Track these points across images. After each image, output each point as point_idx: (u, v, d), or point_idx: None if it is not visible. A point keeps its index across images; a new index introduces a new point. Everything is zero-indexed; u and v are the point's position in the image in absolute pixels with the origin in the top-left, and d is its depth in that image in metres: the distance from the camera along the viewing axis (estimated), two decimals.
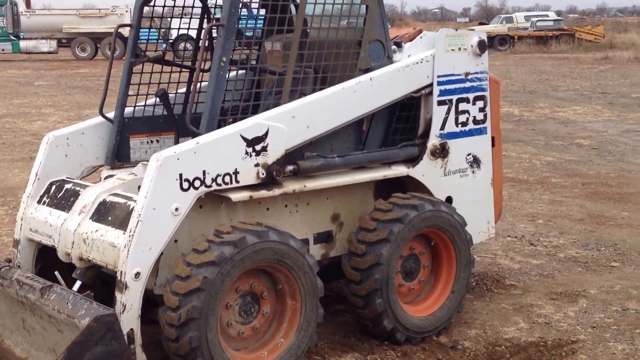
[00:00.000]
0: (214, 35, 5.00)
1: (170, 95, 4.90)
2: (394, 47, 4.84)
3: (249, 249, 3.86)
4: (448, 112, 4.87)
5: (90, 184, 4.55)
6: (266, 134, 4.10)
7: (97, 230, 4.11)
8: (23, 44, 33.07)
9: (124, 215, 4.03)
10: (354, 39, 4.67)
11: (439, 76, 4.81)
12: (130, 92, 4.90)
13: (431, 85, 4.79)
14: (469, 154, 5.05)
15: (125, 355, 3.58)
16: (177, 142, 4.96)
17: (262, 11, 4.88)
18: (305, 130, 4.28)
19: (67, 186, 4.48)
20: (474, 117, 5.03)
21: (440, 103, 4.84)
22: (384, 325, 4.51)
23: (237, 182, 4.06)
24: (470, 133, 5.02)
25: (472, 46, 4.96)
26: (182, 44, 26.99)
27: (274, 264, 4.00)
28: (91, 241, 4.10)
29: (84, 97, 18.87)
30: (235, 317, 4.02)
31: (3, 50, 32.94)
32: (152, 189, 3.80)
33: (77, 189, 4.41)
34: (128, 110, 4.93)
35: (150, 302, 4.01)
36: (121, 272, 3.79)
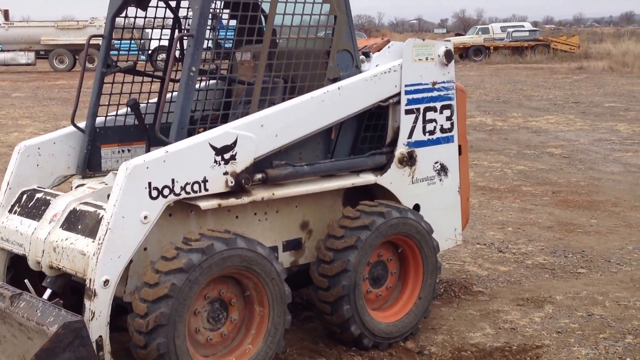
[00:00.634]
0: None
1: (141, 105, 4.96)
2: (362, 56, 4.92)
3: (217, 256, 3.91)
4: (416, 121, 4.96)
5: (61, 193, 4.59)
6: (235, 142, 4.17)
7: (67, 239, 4.15)
8: (1, 56, 32.85)
9: (93, 224, 4.07)
10: (322, 49, 4.75)
11: (406, 85, 4.90)
12: (101, 102, 4.96)
13: (399, 94, 4.88)
14: (436, 162, 5.14)
15: None
16: (148, 151, 5.01)
17: (233, 22, 4.95)
18: (274, 139, 4.35)
19: (38, 195, 4.52)
20: (441, 125, 5.13)
21: (407, 112, 4.93)
22: (352, 331, 4.58)
23: (206, 190, 4.11)
24: (437, 141, 5.12)
25: (439, 56, 5.06)
26: (160, 55, 27.00)
27: (242, 271, 4.05)
28: (61, 249, 4.14)
29: (61, 109, 18.81)
30: (203, 324, 4.07)
31: None
32: (122, 197, 3.85)
33: (48, 198, 4.45)
34: (99, 119, 4.98)
35: (120, 310, 4.05)
36: (90, 279, 3.83)
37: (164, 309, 3.77)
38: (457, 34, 53.36)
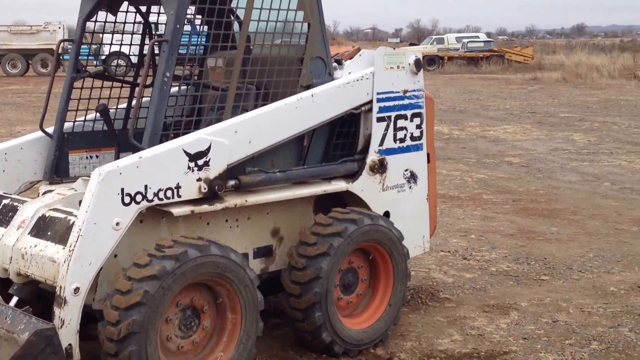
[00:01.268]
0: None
1: (110, 110, 4.91)
2: (334, 64, 4.95)
3: (190, 262, 3.88)
4: (387, 129, 5.01)
5: (29, 199, 4.51)
6: (209, 148, 4.15)
7: (36, 246, 4.08)
8: None
9: (63, 230, 4.02)
10: (296, 56, 4.76)
11: (378, 93, 4.94)
12: (70, 107, 4.89)
13: (371, 102, 4.92)
14: (406, 170, 5.19)
15: None
16: (117, 157, 4.97)
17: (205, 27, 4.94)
18: (248, 145, 4.35)
19: (5, 201, 4.43)
20: (411, 133, 5.18)
21: (379, 120, 4.97)
22: (323, 338, 4.58)
23: (179, 196, 4.09)
24: (407, 149, 5.17)
25: (409, 64, 5.11)
26: (115, 61, 26.72)
27: (215, 278, 4.03)
28: (30, 256, 4.07)
29: (15, 114, 18.48)
30: (175, 332, 4.03)
31: None
32: (94, 204, 3.80)
33: (15, 204, 4.37)
34: (68, 125, 4.92)
35: (88, 318, 3.99)
36: (60, 287, 3.76)
37: (136, 316, 3.73)
38: (412, 44, 53.97)
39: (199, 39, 5.07)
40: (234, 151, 4.27)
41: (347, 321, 4.76)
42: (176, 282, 3.84)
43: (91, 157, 5.05)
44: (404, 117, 5.11)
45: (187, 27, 4.69)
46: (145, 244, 4.12)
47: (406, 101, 5.12)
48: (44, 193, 4.71)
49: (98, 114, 4.88)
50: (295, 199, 4.70)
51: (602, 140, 14.75)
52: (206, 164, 4.15)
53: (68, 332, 3.73)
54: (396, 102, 5.05)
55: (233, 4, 4.78)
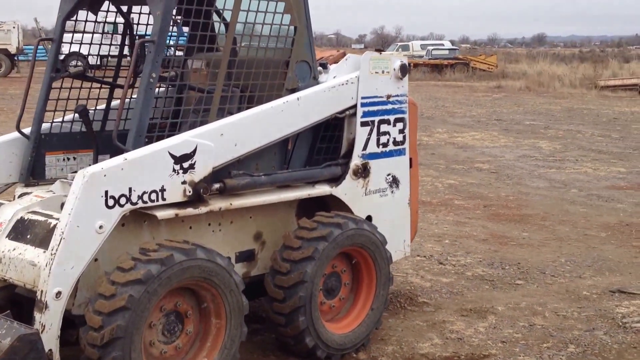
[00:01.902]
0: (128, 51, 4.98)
1: (89, 111, 4.82)
2: (319, 68, 4.93)
3: (176, 266, 3.82)
4: (370, 133, 5.00)
5: (5, 202, 4.41)
6: (194, 151, 4.09)
7: (14, 249, 3.99)
8: None
9: (44, 233, 3.93)
10: (281, 59, 4.73)
11: (362, 98, 4.93)
12: (48, 108, 4.79)
13: (355, 106, 4.91)
14: (388, 175, 5.19)
15: None
16: (96, 159, 4.88)
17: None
18: (233, 148, 4.30)
19: None
20: (394, 138, 5.18)
21: (363, 124, 4.96)
22: (306, 343, 4.55)
23: (164, 199, 4.02)
24: (390, 154, 5.17)
25: (394, 69, 5.12)
26: (74, 62, 26.25)
27: (201, 282, 3.97)
28: (8, 260, 3.98)
29: None
30: (158, 337, 3.96)
31: None
32: (77, 206, 3.72)
33: None
34: (45, 126, 4.81)
35: (66, 323, 3.89)
36: (41, 291, 3.68)
37: (120, 321, 3.65)
38: (377, 50, 54.08)
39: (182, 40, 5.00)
40: (219, 154, 4.22)
41: (329, 325, 4.73)
42: (161, 286, 3.78)
43: (68, 159, 4.95)
44: (387, 121, 5.11)
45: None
46: (127, 248, 4.05)
47: (389, 106, 5.12)
48: (20, 195, 4.60)
49: (77, 115, 4.79)
50: (278, 203, 4.66)
51: (567, 147, 14.97)
52: (191, 166, 4.09)
53: (49, 338, 3.65)
54: (380, 107, 5.05)
55: (219, 5, 4.73)
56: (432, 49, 42.89)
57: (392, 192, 5.22)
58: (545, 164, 12.99)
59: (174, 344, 4.03)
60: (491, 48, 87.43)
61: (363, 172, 4.98)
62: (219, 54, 4.67)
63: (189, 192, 4.11)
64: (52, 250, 3.69)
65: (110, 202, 3.82)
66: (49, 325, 3.66)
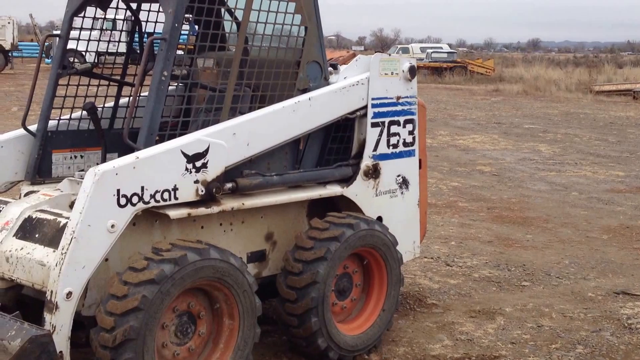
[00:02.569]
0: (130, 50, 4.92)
1: (98, 109, 4.76)
2: (330, 68, 4.89)
3: (190, 267, 3.77)
4: (380, 134, 4.97)
5: (12, 200, 4.34)
6: (207, 150, 4.05)
7: (22, 248, 3.93)
8: None
9: (53, 232, 3.87)
10: (292, 59, 4.69)
11: (373, 99, 4.90)
12: (55, 105, 4.73)
13: (366, 107, 4.87)
14: (398, 175, 5.16)
15: None
16: (104, 157, 4.82)
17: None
18: (246, 147, 4.26)
19: None
20: (404, 139, 5.15)
21: (374, 125, 4.93)
22: (318, 344, 4.50)
23: (176, 199, 3.98)
24: (400, 155, 5.13)
25: (403, 71, 5.09)
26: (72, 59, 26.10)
27: (214, 283, 3.92)
28: (15, 260, 3.91)
29: None
30: (170, 338, 3.91)
31: None
32: (88, 205, 3.67)
33: None
34: (52, 123, 4.75)
35: (75, 325, 3.82)
36: (51, 291, 3.62)
37: (133, 322, 3.60)
38: (377, 52, 54.15)
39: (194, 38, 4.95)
40: (232, 153, 4.18)
41: (341, 327, 4.69)
42: (175, 286, 3.73)
43: (75, 157, 4.88)
44: (397, 123, 5.08)
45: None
46: (138, 248, 4.00)
47: (399, 107, 5.09)
48: (26, 194, 4.54)
49: (85, 113, 4.72)
50: (289, 203, 4.62)
51: (566, 151, 14.97)
52: (204, 165, 4.05)
53: (60, 339, 3.59)
54: (390, 108, 5.02)
55: (231, 4, 4.69)
56: (432, 52, 42.92)
57: (402, 193, 5.19)
58: (546, 167, 12.98)
59: (186, 346, 3.97)
60: (487, 52, 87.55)
61: (374, 172, 4.94)
62: (229, 53, 4.62)
63: (202, 191, 4.06)
64: (63, 249, 3.63)
65: (122, 200, 3.77)
66: (59, 326, 3.60)
